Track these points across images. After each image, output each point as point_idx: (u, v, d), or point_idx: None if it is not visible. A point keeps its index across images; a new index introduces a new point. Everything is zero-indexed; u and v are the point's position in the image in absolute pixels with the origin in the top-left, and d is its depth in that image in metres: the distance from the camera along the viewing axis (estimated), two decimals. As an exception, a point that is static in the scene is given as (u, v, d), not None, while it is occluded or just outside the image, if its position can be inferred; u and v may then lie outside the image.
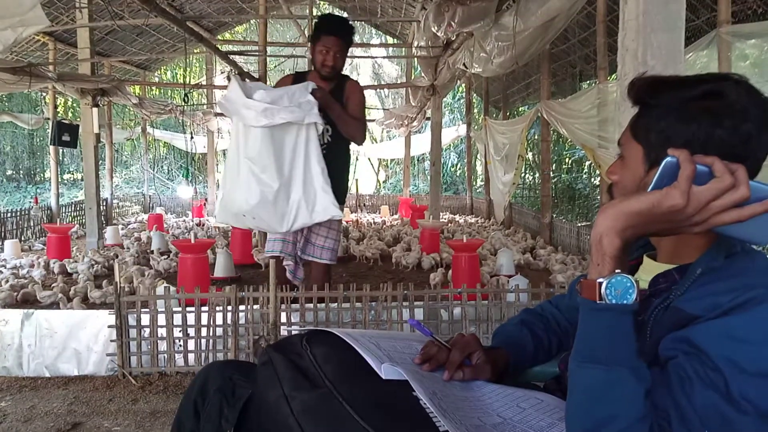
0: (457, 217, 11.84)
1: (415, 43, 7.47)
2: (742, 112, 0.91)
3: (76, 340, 3.52)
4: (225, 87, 11.12)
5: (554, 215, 8.34)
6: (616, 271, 0.86)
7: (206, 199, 12.64)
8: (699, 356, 0.82)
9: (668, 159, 0.84)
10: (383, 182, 20.38)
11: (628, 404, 0.83)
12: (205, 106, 12.20)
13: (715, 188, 0.81)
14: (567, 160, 13.38)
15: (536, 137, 10.08)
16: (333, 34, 3.48)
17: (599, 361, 0.85)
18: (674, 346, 0.87)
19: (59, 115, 10.97)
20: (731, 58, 4.06)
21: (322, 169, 3.35)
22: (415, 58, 8.48)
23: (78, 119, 9.81)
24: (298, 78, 3.61)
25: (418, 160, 17.78)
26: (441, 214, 9.72)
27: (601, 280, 0.85)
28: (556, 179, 12.36)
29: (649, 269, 1.07)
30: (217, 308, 3.46)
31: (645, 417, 0.83)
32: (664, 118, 0.96)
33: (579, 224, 7.47)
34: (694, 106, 0.93)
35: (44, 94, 10.80)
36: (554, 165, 12.45)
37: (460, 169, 17.76)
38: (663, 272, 1.02)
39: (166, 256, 6.29)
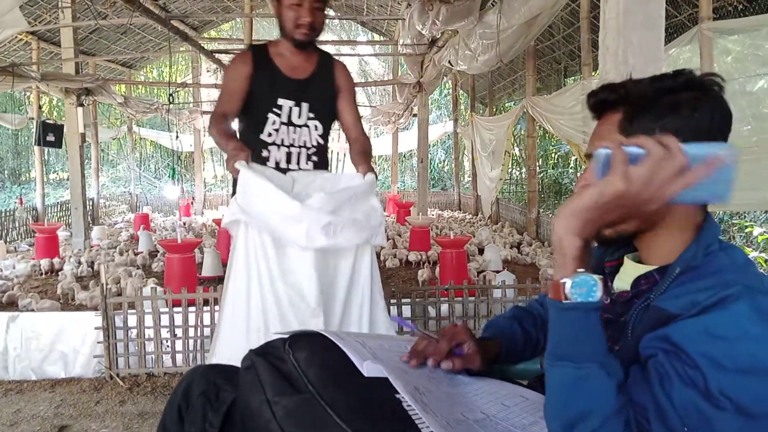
0: (444, 213, 11.87)
1: (401, 41, 7.48)
2: (719, 99, 0.97)
3: (63, 342, 3.50)
4: (212, 86, 11.10)
5: (541, 210, 8.38)
6: (579, 270, 0.88)
7: (193, 198, 12.58)
8: (678, 354, 0.83)
9: (599, 150, 0.87)
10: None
11: (601, 399, 0.85)
12: (191, 105, 12.14)
13: (650, 164, 0.84)
14: (553, 155, 13.46)
15: (522, 133, 10.11)
16: None
17: (569, 359, 0.88)
18: (654, 345, 0.88)
19: (44, 114, 10.85)
20: (713, 54, 4.11)
21: (383, 307, 2.21)
22: (401, 56, 8.48)
23: (63, 119, 9.72)
24: (257, 55, 2.38)
25: (405, 156, 17.79)
26: (429, 210, 9.75)
27: (564, 280, 0.88)
28: (542, 174, 12.43)
29: (632, 271, 1.08)
30: (205, 308, 3.46)
31: (619, 411, 0.85)
32: (668, 111, 0.97)
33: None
34: (685, 97, 0.96)
35: (28, 93, 10.70)
36: (540, 160, 12.53)
37: (447, 165, 17.80)
38: (644, 274, 1.03)
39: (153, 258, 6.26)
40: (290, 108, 2.35)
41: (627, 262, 1.11)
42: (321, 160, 2.43)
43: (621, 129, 1.01)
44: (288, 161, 2.36)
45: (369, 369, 1.01)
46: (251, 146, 2.18)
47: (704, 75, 0.98)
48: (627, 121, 1.01)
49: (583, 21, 5.80)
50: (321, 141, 2.42)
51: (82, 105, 7.35)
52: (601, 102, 1.06)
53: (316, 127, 2.40)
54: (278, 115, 2.34)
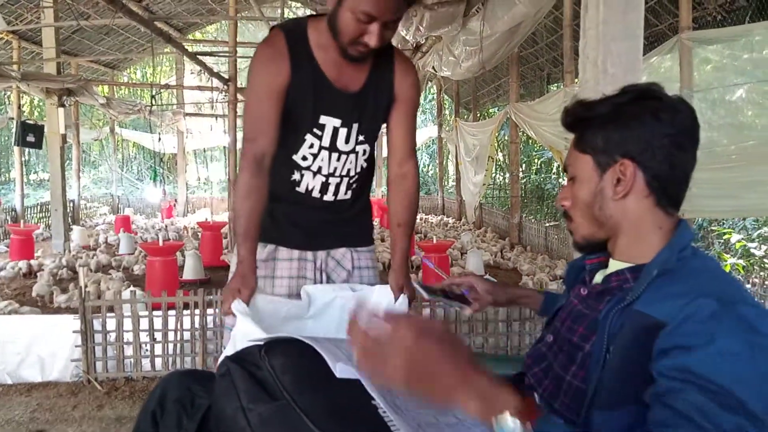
0: (429, 217, 11.89)
1: (385, 46, 7.49)
2: (671, 104, 1.02)
3: (40, 345, 3.46)
4: (195, 88, 11.04)
5: (523, 215, 8.44)
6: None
7: (176, 200, 12.50)
8: (707, 385, 0.83)
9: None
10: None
11: None
12: (175, 106, 12.06)
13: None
14: (536, 161, 13.55)
15: (506, 138, 10.18)
16: None
17: None
18: (673, 375, 0.86)
19: (24, 115, 10.73)
20: (694, 63, 4.17)
21: None
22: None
23: (44, 119, 9.62)
24: (294, 44, 1.65)
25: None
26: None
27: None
28: (525, 180, 12.51)
29: (614, 267, 1.11)
30: (185, 312, 3.44)
31: None
32: (607, 123, 1.06)
33: (547, 224, 7.57)
34: (629, 108, 1.04)
35: (8, 93, 10.57)
36: (524, 166, 12.62)
37: (431, 169, 17.85)
38: (616, 271, 1.08)
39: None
40: (335, 129, 1.71)
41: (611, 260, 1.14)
42: (361, 185, 1.88)
43: (575, 145, 1.12)
44: (323, 191, 1.79)
45: (342, 370, 1.01)
46: (278, 167, 1.70)
47: (648, 86, 1.05)
48: (578, 137, 1.11)
49: (565, 29, 5.84)
50: (365, 164, 1.84)
51: (63, 105, 7.28)
52: (566, 124, 1.15)
53: (364, 151, 1.79)
54: (319, 138, 1.71)
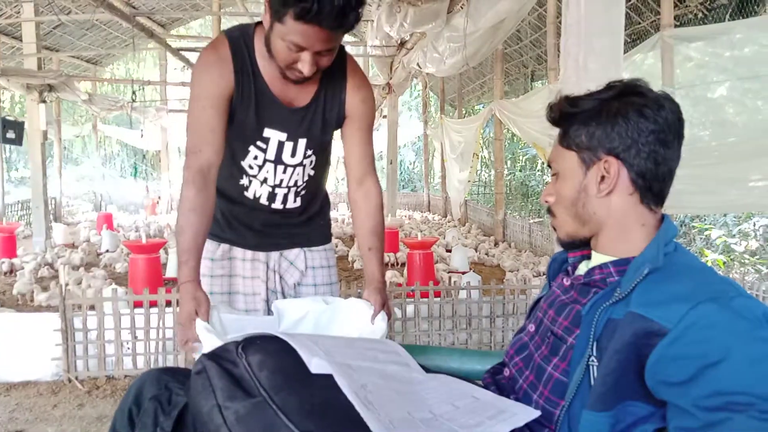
0: (414, 214, 11.92)
1: (370, 42, 7.49)
2: (655, 101, 1.02)
3: (20, 344, 3.41)
4: (179, 84, 10.95)
5: (507, 212, 8.47)
6: None
7: (159, 197, 12.41)
8: (746, 402, 0.83)
9: None
10: (341, 179, 20.36)
11: None
12: (158, 102, 11.97)
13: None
14: (521, 158, 13.61)
15: (491, 135, 10.21)
16: (329, 27, 1.35)
17: None
18: (714, 404, 0.85)
19: (4, 111, 10.59)
20: (675, 60, 4.20)
21: None
22: (371, 57, 8.50)
23: (24, 115, 9.50)
24: (238, 53, 1.55)
25: (375, 158, 17.81)
26: (398, 211, 9.78)
27: None
28: (509, 177, 12.56)
29: (597, 260, 1.11)
30: (167, 309, 3.41)
31: None
32: (591, 119, 1.05)
33: (531, 221, 7.60)
34: (613, 104, 1.03)
35: (-13, 89, 10.42)
36: (508, 163, 12.67)
37: (417, 166, 17.87)
38: (599, 264, 1.08)
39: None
40: (280, 143, 1.63)
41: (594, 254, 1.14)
42: (313, 190, 1.80)
43: (559, 141, 1.12)
44: (271, 200, 1.73)
45: (317, 366, 1.01)
46: (228, 168, 1.64)
47: (632, 82, 1.05)
48: (562, 134, 1.11)
49: (549, 26, 5.86)
50: (313, 172, 1.75)
51: (44, 101, 7.20)
52: (550, 120, 1.14)
53: (312, 162, 1.71)
54: (263, 150, 1.64)
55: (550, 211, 1.17)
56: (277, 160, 1.66)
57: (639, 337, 0.91)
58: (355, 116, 1.68)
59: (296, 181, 1.72)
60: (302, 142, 1.65)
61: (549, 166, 1.16)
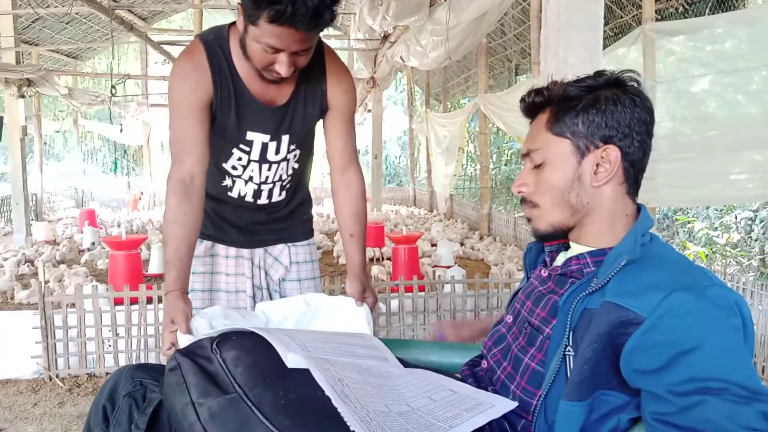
0: (400, 209, 11.92)
1: (353, 36, 7.46)
2: (643, 91, 1.04)
3: (-1, 342, 3.38)
4: (160, 78, 10.83)
5: (493, 206, 8.49)
6: None
7: (142, 193, 12.30)
8: (720, 386, 0.83)
9: None
10: (326, 174, 20.33)
11: None
12: (140, 97, 11.84)
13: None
14: (506, 152, 13.64)
15: (476, 129, 10.23)
16: (305, 28, 1.33)
17: None
18: (687, 389, 0.85)
19: (-18, 106, 10.43)
20: (658, 54, 4.22)
21: None
22: (355, 51, 8.47)
23: (3, 110, 9.36)
24: (214, 57, 1.54)
25: (360, 152, 17.79)
26: (383, 206, 9.77)
27: None
28: (495, 171, 12.60)
29: (575, 251, 1.11)
30: (149, 306, 3.38)
31: None
32: (591, 106, 1.03)
33: (516, 215, 7.63)
34: (613, 91, 1.03)
35: (-35, 83, 10.24)
36: (494, 157, 12.70)
37: (403, 160, 17.86)
38: (576, 255, 1.08)
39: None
40: (264, 144, 1.65)
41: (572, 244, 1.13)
42: (297, 182, 1.83)
43: (548, 127, 1.07)
44: (257, 197, 1.75)
45: (293, 360, 1.00)
46: (210, 170, 1.61)
47: (622, 72, 1.04)
48: (553, 120, 1.06)
49: (533, 20, 5.84)
50: (297, 165, 1.77)
51: (23, 96, 7.09)
52: (531, 105, 1.12)
53: (295, 156, 1.73)
54: (247, 153, 1.66)
55: (525, 201, 1.14)
56: (262, 159, 1.68)
57: (614, 327, 0.92)
58: (336, 108, 1.68)
59: (281, 176, 1.74)
60: (285, 139, 1.66)
61: (526, 154, 1.12)
